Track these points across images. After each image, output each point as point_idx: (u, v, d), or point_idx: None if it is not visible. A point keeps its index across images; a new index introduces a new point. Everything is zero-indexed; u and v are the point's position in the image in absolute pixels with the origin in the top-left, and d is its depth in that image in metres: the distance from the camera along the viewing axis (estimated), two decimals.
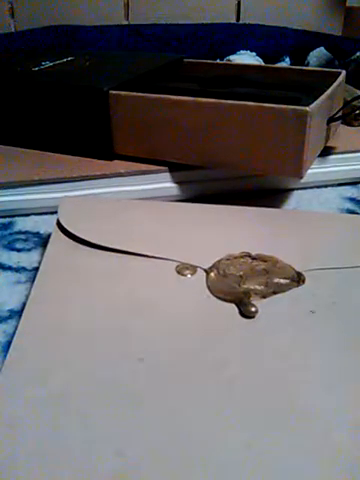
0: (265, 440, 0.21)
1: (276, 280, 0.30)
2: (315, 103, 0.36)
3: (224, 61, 0.63)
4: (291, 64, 0.68)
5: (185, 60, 0.52)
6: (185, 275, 0.30)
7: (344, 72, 0.46)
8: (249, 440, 0.21)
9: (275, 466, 0.20)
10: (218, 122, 0.37)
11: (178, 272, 0.30)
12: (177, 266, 0.31)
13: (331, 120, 0.41)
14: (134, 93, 0.39)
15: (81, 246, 0.32)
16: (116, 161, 0.41)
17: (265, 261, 0.31)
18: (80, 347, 0.25)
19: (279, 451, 0.20)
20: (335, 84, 0.42)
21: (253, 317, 0.27)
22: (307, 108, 0.35)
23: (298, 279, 0.30)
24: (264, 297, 0.29)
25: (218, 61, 0.53)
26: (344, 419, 0.22)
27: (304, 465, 0.20)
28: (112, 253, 0.32)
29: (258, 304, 0.28)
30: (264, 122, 0.36)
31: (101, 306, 0.28)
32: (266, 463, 0.20)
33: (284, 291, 0.29)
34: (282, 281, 0.30)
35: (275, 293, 0.29)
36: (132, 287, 0.29)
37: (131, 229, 0.34)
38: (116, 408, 0.22)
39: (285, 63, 0.68)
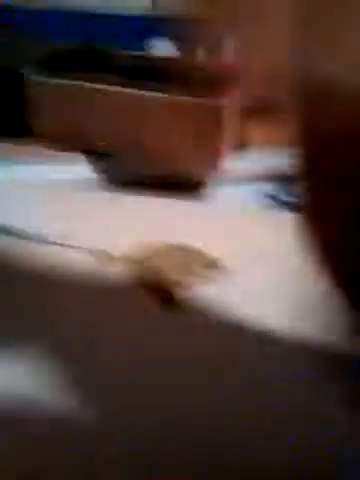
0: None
1: (198, 269, 0.30)
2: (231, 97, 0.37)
3: (147, 50, 0.63)
4: None
5: (106, 50, 0.52)
6: (109, 266, 0.30)
7: None
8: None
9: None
10: (135, 113, 0.37)
11: (101, 263, 0.30)
12: (100, 258, 0.31)
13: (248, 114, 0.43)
14: (51, 79, 0.38)
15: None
16: (33, 146, 0.40)
17: (187, 251, 0.32)
18: None
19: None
20: None
21: (177, 305, 0.28)
22: (223, 102, 0.36)
23: (219, 267, 0.31)
24: (188, 286, 0.29)
25: (139, 53, 0.53)
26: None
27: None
28: (33, 243, 0.31)
29: (180, 292, 0.29)
30: (181, 115, 0.37)
31: (25, 298, 0.27)
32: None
33: (205, 279, 0.30)
34: (203, 270, 0.31)
35: (198, 281, 0.30)
36: (56, 279, 0.29)
37: (54, 220, 0.33)
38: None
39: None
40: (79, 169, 0.40)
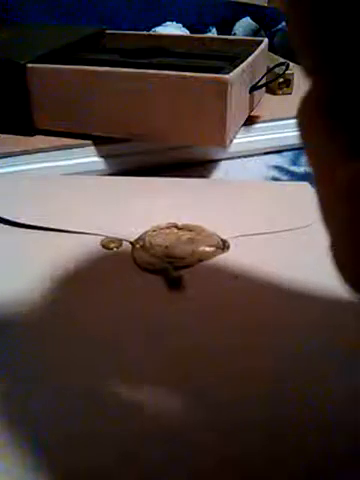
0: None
1: (201, 248, 0.30)
2: (235, 71, 0.36)
3: (149, 32, 0.62)
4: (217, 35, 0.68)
5: (107, 32, 0.51)
6: (111, 249, 0.30)
7: (266, 40, 0.46)
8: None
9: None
10: (139, 93, 0.37)
11: (103, 246, 0.30)
12: (102, 240, 0.30)
13: (253, 88, 0.42)
14: (52, 65, 0.38)
15: (3, 226, 0.32)
16: (37, 136, 0.40)
17: (191, 230, 0.31)
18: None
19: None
20: (256, 52, 0.42)
21: (179, 286, 0.27)
22: (227, 76, 0.35)
23: (223, 246, 0.30)
24: (190, 265, 0.29)
25: (141, 32, 0.52)
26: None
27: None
28: (36, 231, 0.31)
29: (184, 273, 0.28)
30: (185, 91, 0.36)
31: (28, 284, 0.27)
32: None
33: (210, 258, 0.29)
34: (207, 249, 0.30)
35: (201, 261, 0.29)
36: (58, 263, 0.29)
37: (55, 206, 0.33)
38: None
39: (211, 34, 0.67)
40: (86, 156, 0.40)
